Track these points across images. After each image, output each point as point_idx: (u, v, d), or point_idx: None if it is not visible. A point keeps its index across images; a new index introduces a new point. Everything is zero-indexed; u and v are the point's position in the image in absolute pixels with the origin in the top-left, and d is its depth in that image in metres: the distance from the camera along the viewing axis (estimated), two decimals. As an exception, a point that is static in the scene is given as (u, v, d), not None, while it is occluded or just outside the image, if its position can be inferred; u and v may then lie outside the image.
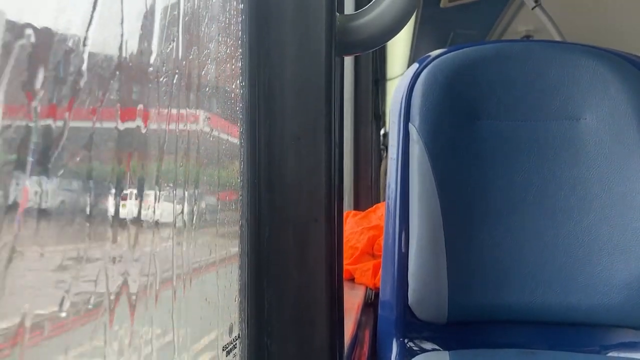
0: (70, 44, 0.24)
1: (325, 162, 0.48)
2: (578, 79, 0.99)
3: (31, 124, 0.21)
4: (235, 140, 0.45)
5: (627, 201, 0.95)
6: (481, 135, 0.99)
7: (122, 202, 0.28)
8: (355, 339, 0.96)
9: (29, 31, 0.21)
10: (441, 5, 2.35)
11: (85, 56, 0.25)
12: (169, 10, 0.33)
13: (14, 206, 0.20)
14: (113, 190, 0.27)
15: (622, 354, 0.94)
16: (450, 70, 1.00)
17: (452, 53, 1.02)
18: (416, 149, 0.97)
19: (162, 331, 0.32)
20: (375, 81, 2.47)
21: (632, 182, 0.95)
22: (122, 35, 0.28)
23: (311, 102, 0.48)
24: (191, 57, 0.37)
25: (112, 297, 0.27)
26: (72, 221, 0.24)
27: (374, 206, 1.62)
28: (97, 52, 0.26)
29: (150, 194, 0.31)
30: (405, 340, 0.97)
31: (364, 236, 1.38)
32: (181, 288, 0.35)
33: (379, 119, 3.17)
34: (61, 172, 0.23)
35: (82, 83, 0.24)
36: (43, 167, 0.22)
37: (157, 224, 0.32)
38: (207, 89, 0.40)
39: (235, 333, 0.45)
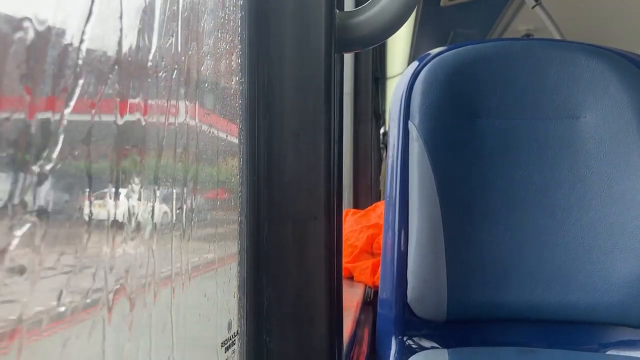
0: (68, 38, 0.23)
1: (325, 160, 0.48)
2: (578, 77, 0.99)
3: (28, 120, 0.21)
4: (232, 138, 0.45)
5: (627, 199, 0.95)
6: (481, 134, 0.99)
7: (118, 200, 0.28)
8: (354, 337, 0.96)
9: (27, 24, 0.21)
10: (441, 3, 2.35)
11: (83, 51, 0.24)
12: (168, 5, 0.33)
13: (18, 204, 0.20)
14: (111, 188, 0.27)
15: (621, 352, 0.94)
16: (450, 69, 1.00)
17: (452, 51, 1.02)
18: (416, 147, 0.97)
19: (161, 327, 0.32)
20: (375, 79, 2.47)
21: (632, 181, 0.95)
22: (120, 29, 0.27)
23: (311, 99, 0.48)
24: (190, 52, 0.36)
25: (110, 295, 0.27)
26: (69, 219, 0.24)
27: (373, 205, 1.62)
28: (95, 47, 0.26)
29: (148, 191, 0.31)
30: (404, 338, 0.97)
31: (363, 234, 1.38)
32: (180, 285, 0.35)
33: (379, 117, 3.17)
34: (57, 167, 0.23)
35: (79, 78, 0.24)
36: (40, 162, 0.22)
37: (153, 221, 0.32)
38: (206, 84, 0.40)
39: (234, 329, 0.45)
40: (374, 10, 0.52)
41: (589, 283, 0.94)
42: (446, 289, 0.93)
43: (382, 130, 3.51)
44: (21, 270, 0.21)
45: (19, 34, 0.21)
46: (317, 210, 0.48)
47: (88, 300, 0.25)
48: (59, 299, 0.23)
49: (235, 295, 0.46)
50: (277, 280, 0.48)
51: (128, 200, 0.29)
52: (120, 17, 0.27)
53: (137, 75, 0.30)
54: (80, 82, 0.24)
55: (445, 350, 0.91)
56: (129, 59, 0.28)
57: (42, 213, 0.22)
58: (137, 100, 0.29)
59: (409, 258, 0.95)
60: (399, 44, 2.99)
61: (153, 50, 0.31)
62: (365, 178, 2.07)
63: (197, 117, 0.36)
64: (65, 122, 0.23)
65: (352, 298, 1.12)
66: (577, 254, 0.95)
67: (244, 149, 0.47)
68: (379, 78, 2.91)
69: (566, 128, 0.99)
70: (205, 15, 0.39)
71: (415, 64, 1.03)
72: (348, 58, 1.90)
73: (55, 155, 0.23)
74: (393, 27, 0.53)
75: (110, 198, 0.27)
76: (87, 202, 0.25)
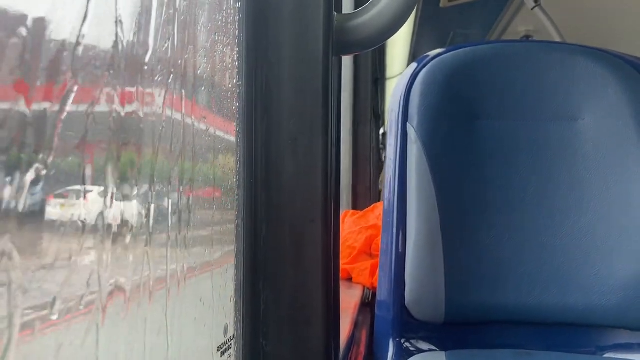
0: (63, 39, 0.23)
1: (322, 163, 0.48)
2: (577, 79, 0.99)
3: (26, 115, 0.21)
4: (227, 136, 0.44)
5: (625, 201, 0.95)
6: (479, 135, 0.99)
7: (114, 201, 0.28)
8: (352, 339, 0.96)
9: (21, 27, 0.21)
10: (441, 4, 2.35)
11: (79, 53, 0.24)
12: (164, 7, 0.32)
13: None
14: (106, 187, 0.27)
15: (619, 355, 0.94)
16: (449, 70, 1.00)
17: (451, 53, 1.02)
18: (414, 148, 0.97)
19: (155, 330, 0.32)
20: (374, 80, 2.47)
21: (630, 183, 0.95)
22: (116, 33, 0.27)
23: (308, 102, 0.48)
24: (187, 55, 0.36)
25: (104, 297, 0.27)
26: (67, 219, 0.24)
27: (372, 206, 1.62)
28: (91, 49, 0.26)
29: (145, 192, 0.31)
30: (402, 340, 0.97)
31: (361, 236, 1.38)
32: (175, 287, 0.35)
33: (378, 118, 3.17)
34: (54, 164, 0.23)
35: (74, 78, 0.24)
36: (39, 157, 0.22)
37: (148, 223, 0.32)
38: (203, 87, 0.40)
39: (230, 333, 0.45)
40: (372, 13, 0.52)
41: (586, 285, 0.94)
42: (444, 291, 0.93)
43: (381, 131, 3.51)
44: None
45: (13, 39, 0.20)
46: (314, 213, 0.48)
47: (81, 306, 0.25)
48: (52, 302, 0.23)
49: (232, 299, 0.45)
50: (274, 283, 0.48)
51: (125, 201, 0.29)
52: (116, 21, 0.27)
53: (133, 78, 0.29)
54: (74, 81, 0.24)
55: (443, 352, 0.91)
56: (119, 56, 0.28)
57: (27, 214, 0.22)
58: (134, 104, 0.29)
59: (407, 260, 0.95)
60: (399, 44, 2.99)
61: (149, 54, 0.31)
62: (364, 179, 2.07)
63: (174, 108, 0.35)
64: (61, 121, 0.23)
65: (350, 299, 1.12)
66: (575, 256, 0.95)
67: (242, 152, 0.47)
68: (379, 79, 2.92)
69: (565, 130, 0.99)
70: (203, 18, 0.39)
71: (414, 65, 1.03)
72: (347, 59, 1.90)
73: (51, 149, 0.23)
74: (391, 29, 0.53)
75: (103, 197, 0.27)
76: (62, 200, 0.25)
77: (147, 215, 0.31)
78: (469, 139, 0.99)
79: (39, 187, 0.22)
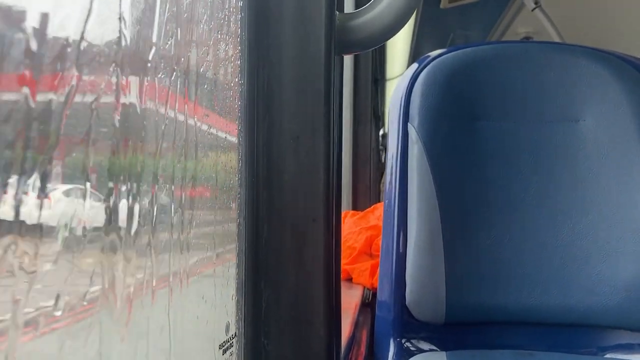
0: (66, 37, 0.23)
1: (324, 162, 0.48)
2: (577, 80, 0.99)
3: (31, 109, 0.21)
4: (220, 133, 0.43)
5: (626, 203, 0.95)
6: (480, 136, 0.99)
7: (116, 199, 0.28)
8: (353, 339, 0.96)
9: (25, 23, 0.21)
10: (441, 5, 2.35)
11: (82, 49, 0.24)
12: (167, 6, 0.33)
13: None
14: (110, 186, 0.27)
15: (619, 356, 0.94)
16: (449, 71, 1.00)
17: (451, 53, 1.02)
18: (415, 149, 0.97)
19: (158, 329, 0.32)
20: (374, 81, 2.47)
21: (631, 184, 0.95)
22: (120, 30, 0.27)
23: (310, 101, 0.48)
24: (189, 54, 0.36)
25: (107, 294, 0.27)
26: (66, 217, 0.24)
27: (372, 206, 1.62)
28: (93, 46, 0.26)
29: (145, 190, 0.31)
30: (403, 341, 0.96)
31: (362, 236, 1.38)
32: (178, 286, 0.35)
33: (379, 119, 3.17)
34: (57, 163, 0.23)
35: (78, 75, 0.24)
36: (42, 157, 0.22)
37: (152, 222, 0.32)
38: (206, 85, 0.40)
39: (231, 332, 0.45)
40: (373, 12, 0.52)
41: (588, 286, 0.94)
42: (445, 291, 0.93)
43: (381, 132, 3.52)
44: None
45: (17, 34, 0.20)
46: (316, 212, 0.48)
47: (84, 303, 0.25)
48: (56, 299, 0.23)
49: (234, 298, 0.45)
50: (276, 283, 0.48)
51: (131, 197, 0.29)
52: (119, 18, 0.27)
53: (135, 74, 0.29)
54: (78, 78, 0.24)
55: (444, 352, 0.91)
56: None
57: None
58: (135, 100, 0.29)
59: (408, 260, 0.95)
60: (399, 45, 3.00)
61: (153, 51, 0.31)
62: (365, 179, 2.07)
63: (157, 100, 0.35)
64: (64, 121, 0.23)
65: (350, 300, 1.12)
66: (576, 256, 0.95)
67: (243, 151, 0.47)
68: (379, 79, 2.92)
69: (565, 131, 0.99)
70: (205, 17, 0.39)
71: (414, 66, 1.03)
72: (348, 59, 1.90)
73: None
74: (393, 29, 0.53)
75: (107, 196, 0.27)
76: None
77: (150, 214, 0.31)
78: (469, 140, 0.99)
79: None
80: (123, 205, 0.28)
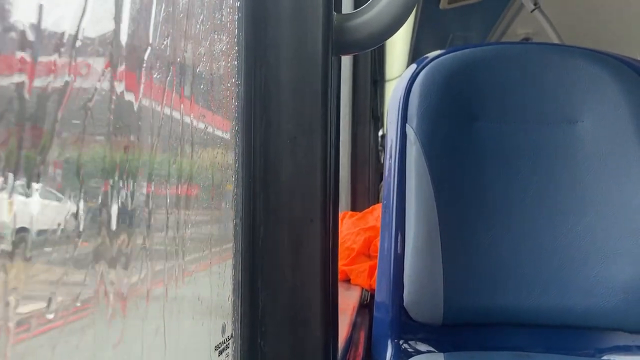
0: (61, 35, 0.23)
1: (321, 163, 0.48)
2: (576, 82, 0.99)
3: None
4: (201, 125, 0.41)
5: (624, 204, 0.95)
6: (479, 137, 0.99)
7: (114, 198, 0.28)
8: (350, 340, 0.96)
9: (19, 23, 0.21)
10: (440, 6, 2.35)
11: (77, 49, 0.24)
12: (163, 5, 0.32)
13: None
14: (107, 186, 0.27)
15: (617, 358, 0.94)
16: (448, 72, 1.00)
17: (450, 54, 1.02)
18: (413, 150, 0.97)
19: (153, 330, 0.32)
20: (373, 82, 2.47)
21: (629, 186, 0.95)
22: (115, 30, 0.27)
23: (307, 102, 0.48)
24: (185, 53, 0.36)
25: (101, 296, 0.27)
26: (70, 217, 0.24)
27: (370, 207, 1.62)
28: (89, 46, 0.25)
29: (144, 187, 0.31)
30: (400, 342, 0.96)
31: (360, 237, 1.38)
32: (173, 286, 0.35)
33: (378, 120, 3.17)
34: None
35: (73, 76, 0.24)
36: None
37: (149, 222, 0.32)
38: (202, 85, 0.39)
39: (228, 333, 0.44)
40: (371, 13, 0.52)
41: (585, 287, 0.94)
42: (443, 292, 0.93)
43: (380, 133, 3.51)
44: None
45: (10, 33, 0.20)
46: (313, 213, 0.48)
47: (78, 304, 0.25)
48: (48, 302, 0.23)
49: (230, 298, 0.45)
50: (272, 283, 0.48)
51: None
52: (115, 18, 0.27)
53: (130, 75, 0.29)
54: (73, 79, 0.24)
55: (442, 354, 0.91)
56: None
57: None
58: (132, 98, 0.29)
59: (406, 261, 0.95)
60: (398, 46, 3.00)
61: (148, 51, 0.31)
62: (363, 180, 2.07)
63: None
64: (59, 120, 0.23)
65: (348, 301, 1.12)
66: (574, 258, 0.95)
67: (240, 151, 0.47)
68: (378, 80, 2.92)
69: (564, 132, 0.99)
70: (202, 17, 0.39)
71: (413, 66, 1.03)
72: (347, 60, 1.90)
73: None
74: (390, 29, 0.53)
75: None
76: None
77: (150, 213, 0.31)
78: (468, 141, 0.99)
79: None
80: (120, 205, 0.28)
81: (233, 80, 0.46)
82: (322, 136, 0.48)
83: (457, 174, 0.98)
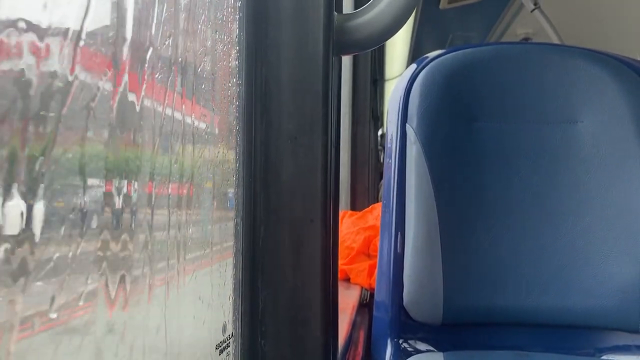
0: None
1: (322, 162, 0.48)
2: (576, 82, 1.00)
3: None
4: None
5: (624, 204, 0.95)
6: (478, 137, 0.99)
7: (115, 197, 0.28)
8: (350, 339, 0.96)
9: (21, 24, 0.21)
10: (440, 6, 2.35)
11: (79, 50, 0.24)
12: (165, 6, 0.33)
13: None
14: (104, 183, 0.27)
15: (616, 357, 0.94)
16: (448, 72, 1.00)
17: (450, 54, 1.02)
18: (413, 149, 0.97)
19: (155, 329, 0.32)
20: (374, 81, 2.48)
21: (629, 186, 0.95)
22: (116, 30, 0.27)
23: (308, 102, 0.48)
24: (187, 53, 0.36)
25: (103, 297, 0.27)
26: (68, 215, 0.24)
27: (370, 207, 1.62)
28: (91, 47, 0.26)
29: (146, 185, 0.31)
30: (400, 341, 0.97)
31: (360, 236, 1.38)
32: (174, 285, 0.35)
33: (377, 119, 3.17)
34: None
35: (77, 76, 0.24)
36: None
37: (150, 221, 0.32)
38: (203, 85, 0.40)
39: (228, 332, 0.45)
40: (372, 13, 0.52)
41: (585, 287, 0.94)
42: (442, 292, 0.93)
43: (380, 132, 3.51)
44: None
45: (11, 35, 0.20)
46: (313, 212, 0.48)
47: (80, 302, 0.25)
48: (51, 300, 0.23)
49: (230, 298, 0.45)
50: (273, 283, 0.48)
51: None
52: (116, 18, 0.27)
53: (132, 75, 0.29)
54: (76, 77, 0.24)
55: (441, 353, 0.91)
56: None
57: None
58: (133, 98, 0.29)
59: (405, 261, 0.95)
60: (398, 46, 3.00)
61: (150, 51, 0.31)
62: (363, 180, 2.07)
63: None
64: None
65: (348, 300, 1.12)
66: (574, 258, 0.95)
67: (241, 151, 0.47)
68: (378, 80, 2.92)
69: (564, 133, 0.99)
70: (203, 17, 0.39)
71: (413, 66, 1.03)
72: (347, 60, 1.90)
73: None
74: (391, 30, 0.53)
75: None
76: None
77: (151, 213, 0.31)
78: (468, 141, 0.99)
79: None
80: (122, 203, 0.28)
81: (234, 80, 0.46)
82: (323, 136, 0.48)
83: (457, 174, 0.98)
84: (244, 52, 0.47)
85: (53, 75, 0.23)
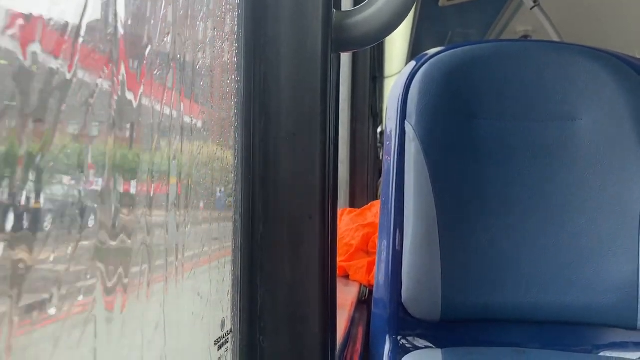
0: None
1: (320, 159, 0.48)
2: (575, 79, 1.00)
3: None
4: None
5: (622, 202, 0.95)
6: (477, 134, 1.00)
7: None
8: (349, 336, 0.96)
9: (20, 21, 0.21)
10: (440, 3, 2.35)
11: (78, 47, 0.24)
12: (163, 2, 0.33)
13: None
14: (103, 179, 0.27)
15: (614, 354, 0.95)
16: (447, 69, 1.00)
17: (449, 52, 1.02)
18: (412, 147, 0.97)
19: (153, 324, 0.32)
20: (373, 79, 2.47)
21: (627, 183, 0.95)
22: (115, 26, 0.27)
23: (307, 99, 0.48)
24: (186, 50, 0.36)
25: (102, 292, 0.27)
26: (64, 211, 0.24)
27: (369, 204, 1.62)
28: (89, 44, 0.26)
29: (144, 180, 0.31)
30: (398, 338, 0.97)
31: (359, 233, 1.38)
32: (173, 281, 0.35)
33: (377, 116, 3.17)
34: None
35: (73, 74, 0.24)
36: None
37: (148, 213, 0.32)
38: (202, 82, 0.40)
39: (227, 328, 0.45)
40: (371, 10, 0.52)
41: (583, 285, 0.94)
42: (441, 289, 0.94)
43: (379, 130, 3.51)
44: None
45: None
46: (312, 209, 0.48)
47: (80, 297, 0.25)
48: (50, 295, 0.23)
49: (229, 294, 0.46)
50: (271, 279, 0.48)
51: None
52: (116, 16, 0.27)
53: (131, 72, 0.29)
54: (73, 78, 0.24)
55: (439, 350, 0.91)
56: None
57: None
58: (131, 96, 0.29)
59: (404, 258, 0.96)
60: (398, 43, 2.99)
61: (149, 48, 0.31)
62: (362, 177, 2.07)
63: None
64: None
65: (347, 297, 1.13)
66: (572, 255, 0.96)
67: (240, 148, 0.47)
68: (377, 77, 2.92)
69: (562, 130, 0.99)
70: (202, 13, 0.39)
71: (412, 63, 1.03)
72: (346, 57, 1.89)
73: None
74: (390, 27, 0.53)
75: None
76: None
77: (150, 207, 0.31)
78: (467, 138, 0.99)
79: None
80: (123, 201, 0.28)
81: (232, 76, 0.46)
82: (322, 133, 0.48)
83: (456, 171, 0.98)
84: (243, 49, 0.47)
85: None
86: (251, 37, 0.47)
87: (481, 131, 1.00)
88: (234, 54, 0.46)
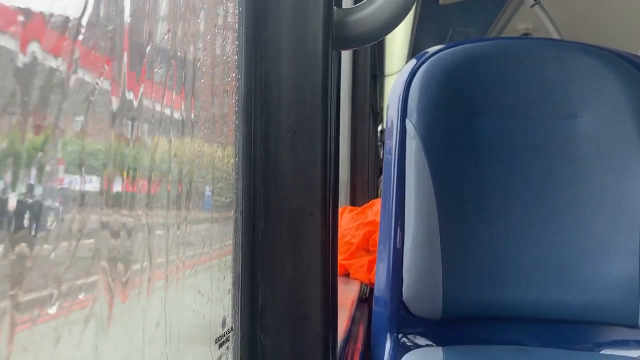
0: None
1: (321, 157, 0.48)
2: (576, 77, 0.99)
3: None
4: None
5: (622, 200, 0.95)
6: (478, 132, 0.99)
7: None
8: (349, 334, 0.96)
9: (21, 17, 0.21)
10: (440, 2, 2.35)
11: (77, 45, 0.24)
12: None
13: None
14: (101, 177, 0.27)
15: (615, 352, 0.95)
16: (448, 67, 1.00)
17: (450, 50, 1.02)
18: (413, 145, 0.97)
19: (154, 323, 0.32)
20: (373, 77, 2.47)
21: (628, 181, 0.95)
22: (116, 25, 0.27)
23: (308, 97, 0.48)
24: (186, 47, 0.36)
25: (103, 290, 0.27)
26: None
27: (370, 202, 1.62)
28: (90, 42, 0.26)
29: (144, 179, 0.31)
30: (399, 336, 0.97)
31: (359, 231, 1.38)
32: (174, 279, 0.35)
33: (377, 115, 3.17)
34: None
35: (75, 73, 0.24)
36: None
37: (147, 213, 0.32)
38: (202, 80, 0.40)
39: (228, 326, 0.45)
40: (372, 7, 0.52)
41: (583, 283, 0.94)
42: (441, 287, 0.94)
43: (379, 128, 3.51)
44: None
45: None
46: (313, 207, 0.48)
47: (80, 295, 0.25)
48: (50, 293, 0.23)
49: (230, 292, 0.46)
50: (272, 277, 0.48)
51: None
52: (116, 14, 0.27)
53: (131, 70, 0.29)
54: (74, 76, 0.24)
55: (440, 348, 0.91)
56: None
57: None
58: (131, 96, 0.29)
59: (405, 256, 0.96)
60: (398, 41, 2.99)
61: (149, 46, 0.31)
62: (363, 175, 2.07)
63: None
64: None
65: (347, 295, 1.13)
66: (573, 253, 0.96)
67: (240, 145, 0.47)
68: (377, 75, 2.91)
69: (563, 128, 0.99)
70: (202, 11, 0.39)
71: (413, 61, 1.03)
72: (346, 55, 1.89)
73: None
74: (391, 24, 0.53)
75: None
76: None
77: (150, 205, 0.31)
78: (467, 136, 0.99)
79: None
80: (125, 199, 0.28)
81: (233, 74, 0.46)
82: (323, 131, 0.48)
83: (457, 169, 0.98)
84: (244, 47, 0.47)
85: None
86: (252, 34, 0.47)
87: (482, 129, 1.00)
88: (235, 52, 0.46)
